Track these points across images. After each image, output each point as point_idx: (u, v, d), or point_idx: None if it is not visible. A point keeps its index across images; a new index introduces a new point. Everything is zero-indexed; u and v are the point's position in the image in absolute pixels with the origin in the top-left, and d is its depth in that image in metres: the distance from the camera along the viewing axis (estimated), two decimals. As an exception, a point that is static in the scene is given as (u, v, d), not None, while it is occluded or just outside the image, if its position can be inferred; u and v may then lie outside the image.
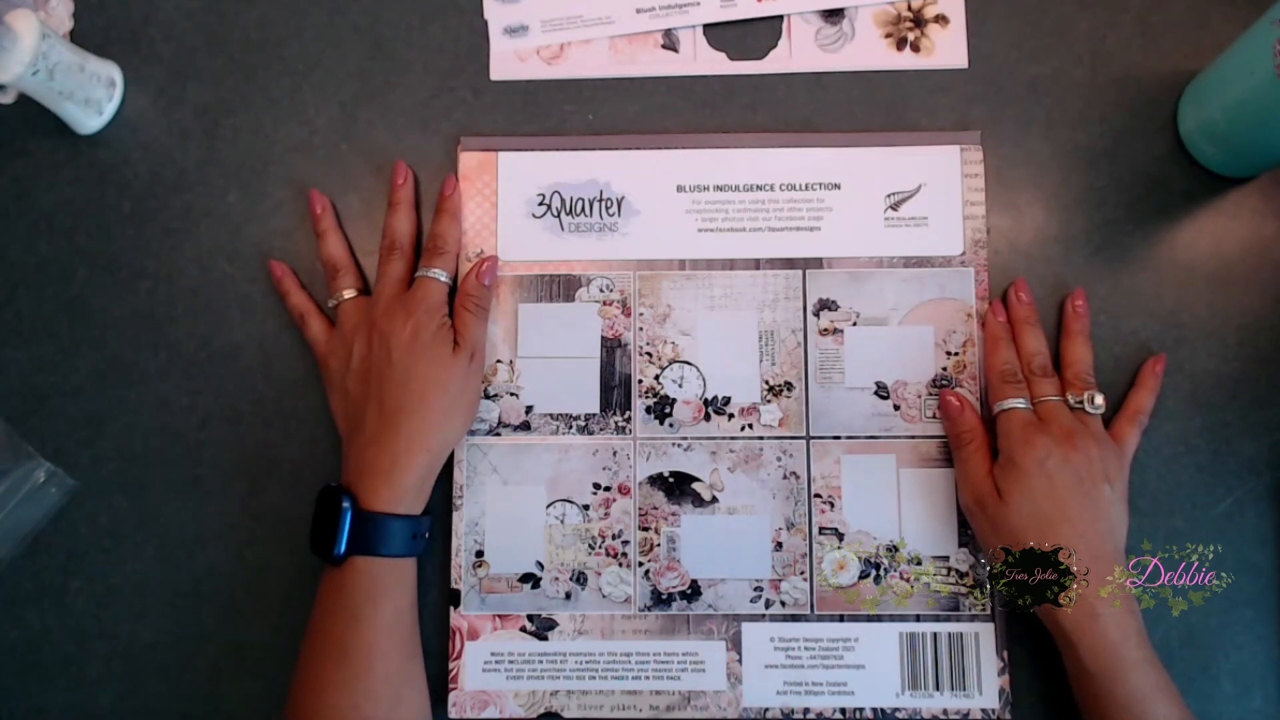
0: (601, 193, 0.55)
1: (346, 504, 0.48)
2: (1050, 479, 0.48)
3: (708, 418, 0.54)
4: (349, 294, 0.53)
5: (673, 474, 0.54)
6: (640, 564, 0.53)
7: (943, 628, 0.52)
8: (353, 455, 0.50)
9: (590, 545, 0.53)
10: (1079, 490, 0.48)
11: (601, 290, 0.55)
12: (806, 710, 0.52)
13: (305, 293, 0.55)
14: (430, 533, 0.52)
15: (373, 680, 0.47)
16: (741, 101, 0.56)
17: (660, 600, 0.53)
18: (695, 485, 0.54)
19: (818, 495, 0.53)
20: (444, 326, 0.51)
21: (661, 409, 0.54)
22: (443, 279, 0.53)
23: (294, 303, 0.54)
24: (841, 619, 0.53)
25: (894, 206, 0.55)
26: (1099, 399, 0.51)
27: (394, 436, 0.49)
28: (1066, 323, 0.54)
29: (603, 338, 0.55)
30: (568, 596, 0.53)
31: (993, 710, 0.51)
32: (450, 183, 0.55)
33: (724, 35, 0.57)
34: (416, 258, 0.54)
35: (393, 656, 0.48)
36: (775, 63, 0.57)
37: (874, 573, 0.53)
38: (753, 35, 0.57)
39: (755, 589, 0.53)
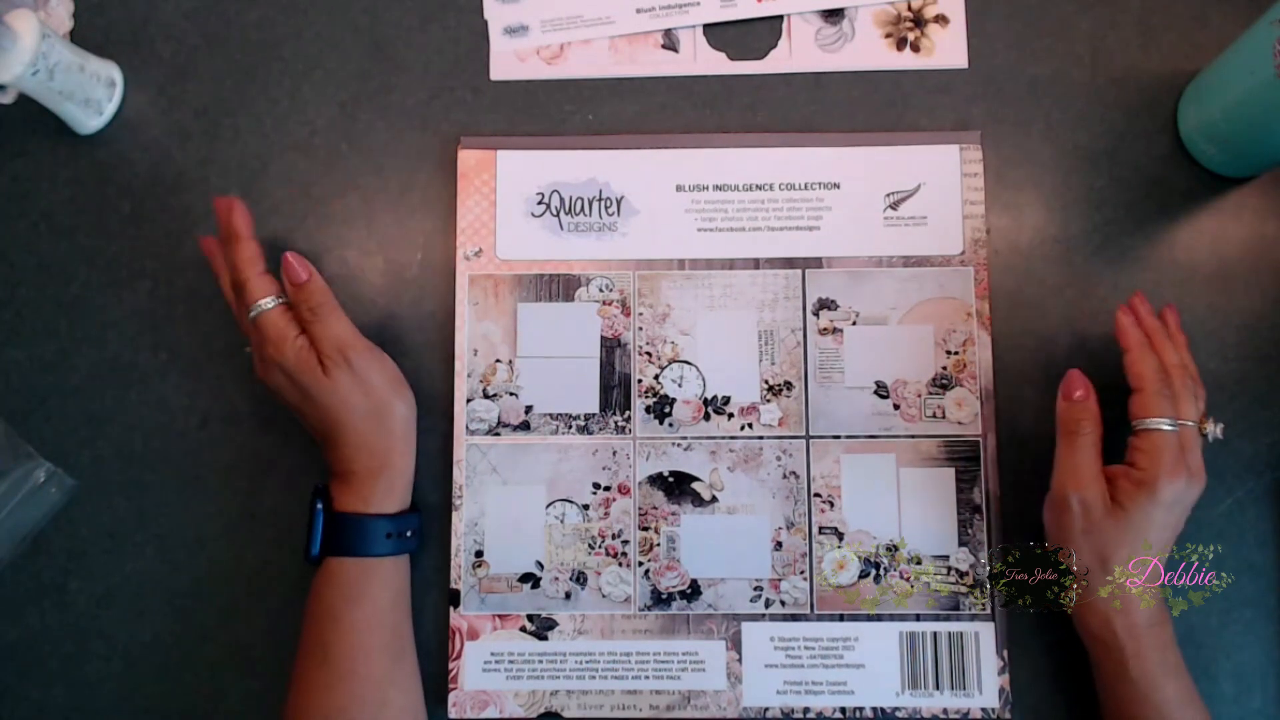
0: (601, 192, 0.55)
1: (319, 505, 0.49)
2: (1172, 513, 0.47)
3: (707, 417, 0.54)
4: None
5: (672, 474, 0.54)
6: (640, 564, 0.53)
7: (943, 627, 0.52)
8: (324, 456, 0.51)
9: (590, 545, 0.53)
10: (1181, 524, 0.48)
11: (601, 290, 0.55)
12: (806, 710, 0.52)
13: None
14: (422, 531, 0.52)
15: (355, 682, 0.47)
16: (741, 101, 0.56)
17: (660, 600, 0.53)
18: (695, 485, 0.54)
19: (817, 495, 0.53)
20: (301, 353, 0.49)
21: (661, 409, 0.54)
22: (269, 305, 0.49)
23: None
24: (841, 618, 0.53)
25: (893, 206, 0.55)
26: (1221, 431, 0.49)
27: (339, 453, 0.50)
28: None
29: (602, 337, 0.55)
30: (568, 596, 0.53)
31: (993, 710, 0.51)
32: (221, 205, 0.50)
33: (724, 35, 0.57)
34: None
35: (376, 658, 0.48)
36: (775, 63, 0.57)
37: (874, 572, 0.53)
38: (753, 35, 0.57)
39: (755, 588, 0.53)
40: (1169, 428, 0.47)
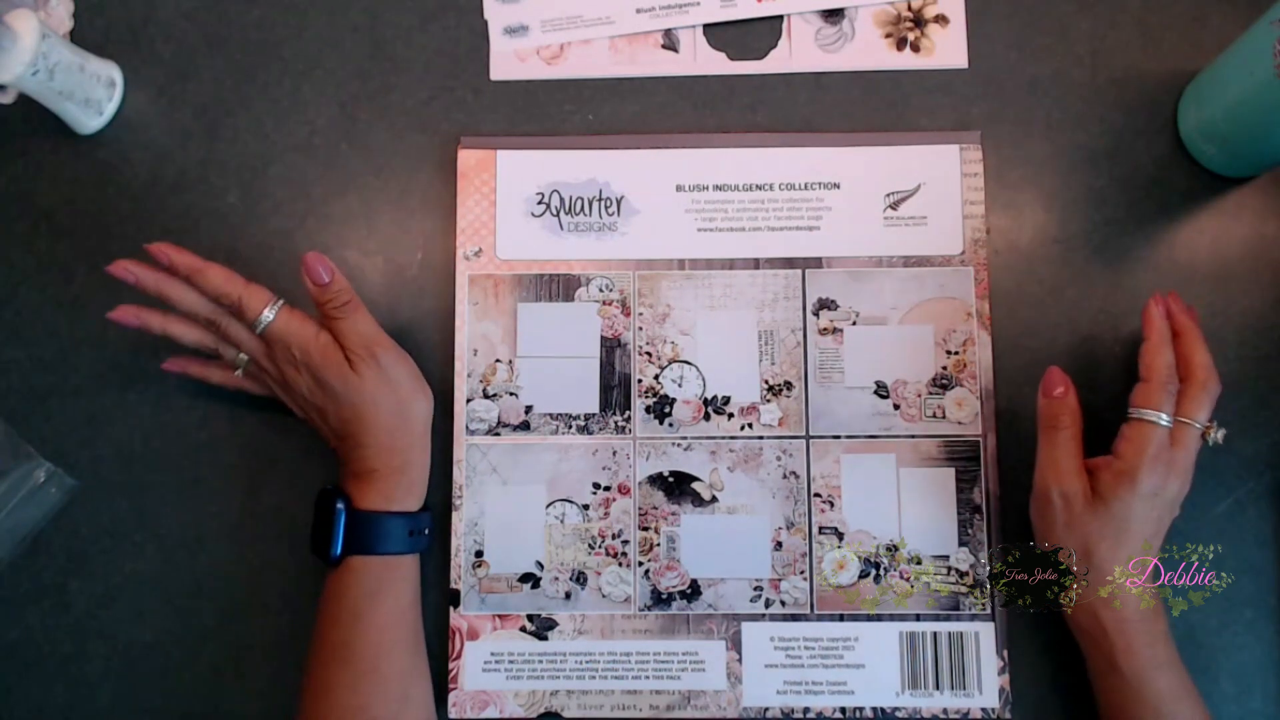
0: (601, 192, 0.55)
1: (340, 505, 0.49)
2: (1152, 505, 0.47)
3: (707, 417, 0.54)
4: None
5: (672, 474, 0.54)
6: (640, 564, 0.53)
7: (943, 627, 0.52)
8: (340, 456, 0.51)
9: (590, 545, 0.53)
10: (1166, 518, 0.48)
11: (601, 290, 0.55)
12: (806, 710, 0.52)
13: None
14: (430, 530, 0.52)
15: (379, 680, 0.47)
16: (741, 101, 0.56)
17: (660, 600, 0.53)
18: (695, 485, 0.54)
19: (817, 495, 0.53)
20: (327, 350, 0.49)
21: (661, 409, 0.54)
22: (275, 312, 0.48)
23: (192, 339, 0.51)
24: (841, 618, 0.53)
25: (893, 206, 0.55)
26: (1222, 436, 0.48)
27: (361, 452, 0.49)
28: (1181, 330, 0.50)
29: (602, 337, 0.55)
30: (567, 596, 0.53)
31: (993, 710, 0.51)
32: (159, 251, 0.48)
33: (724, 35, 0.57)
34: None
35: (398, 654, 0.49)
36: (775, 63, 0.57)
37: (874, 572, 0.53)
38: (753, 35, 0.57)
39: (755, 588, 0.53)
40: (1163, 423, 0.47)
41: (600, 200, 0.55)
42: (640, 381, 0.54)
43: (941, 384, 0.54)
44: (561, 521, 0.53)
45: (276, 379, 0.50)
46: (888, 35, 0.57)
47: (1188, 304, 0.51)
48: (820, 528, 0.53)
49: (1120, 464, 0.47)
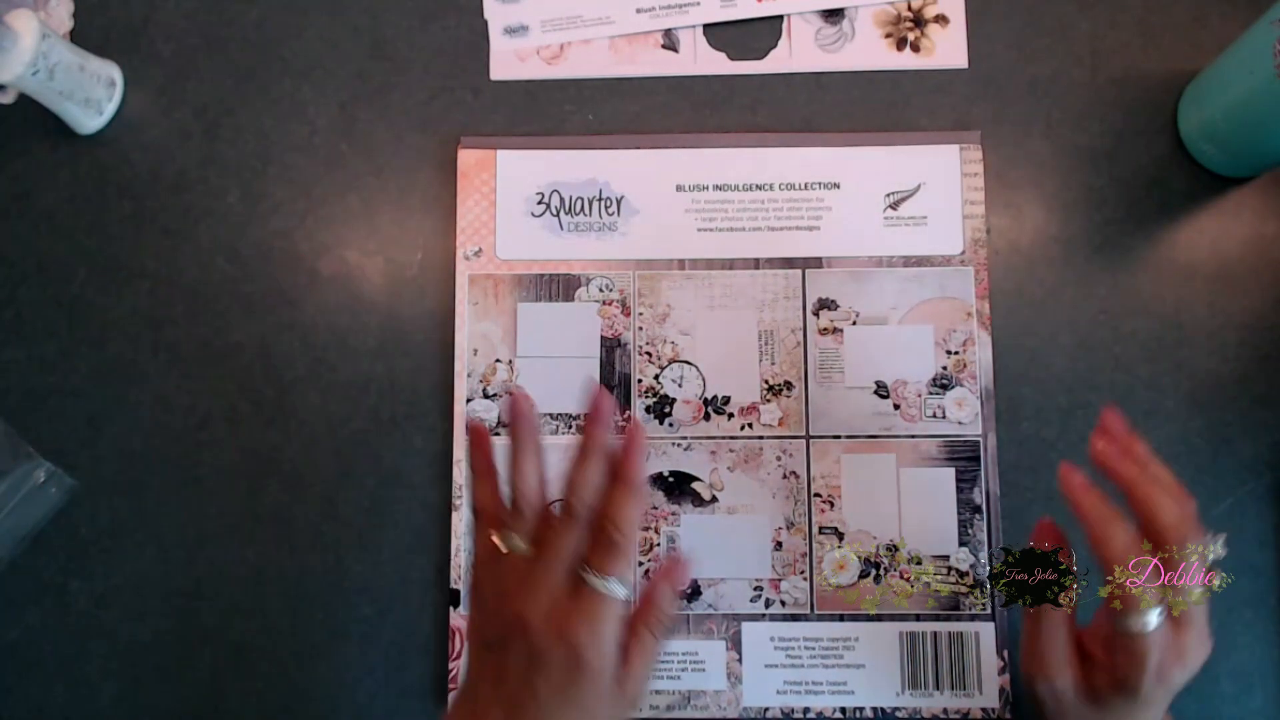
0: (601, 192, 0.55)
1: None
2: (1166, 697, 0.40)
3: (707, 417, 0.54)
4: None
5: (672, 473, 0.54)
6: (640, 564, 0.53)
7: (943, 627, 0.52)
8: (472, 688, 0.41)
9: (590, 545, 0.53)
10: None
11: (601, 290, 0.55)
12: (806, 710, 0.52)
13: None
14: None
15: None
16: (741, 101, 0.56)
17: (660, 600, 0.53)
18: (695, 485, 0.54)
19: (817, 495, 0.53)
20: (605, 662, 0.39)
21: (661, 408, 0.54)
22: (622, 595, 0.39)
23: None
24: (841, 618, 0.53)
25: (893, 206, 0.55)
26: (1223, 544, 0.39)
27: None
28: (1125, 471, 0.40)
29: (602, 337, 0.55)
30: (567, 596, 0.53)
31: (993, 710, 0.51)
32: (604, 404, 0.41)
33: (724, 35, 0.57)
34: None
35: None
36: (775, 63, 0.57)
37: (874, 572, 0.53)
38: (753, 35, 0.57)
39: (755, 588, 0.53)
40: (1152, 627, 0.38)
41: (600, 200, 0.55)
42: (640, 381, 0.54)
43: (941, 384, 0.54)
44: (561, 521, 0.53)
45: (492, 593, 0.40)
46: (888, 35, 0.57)
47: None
48: (820, 528, 0.53)
49: (1121, 679, 0.40)
